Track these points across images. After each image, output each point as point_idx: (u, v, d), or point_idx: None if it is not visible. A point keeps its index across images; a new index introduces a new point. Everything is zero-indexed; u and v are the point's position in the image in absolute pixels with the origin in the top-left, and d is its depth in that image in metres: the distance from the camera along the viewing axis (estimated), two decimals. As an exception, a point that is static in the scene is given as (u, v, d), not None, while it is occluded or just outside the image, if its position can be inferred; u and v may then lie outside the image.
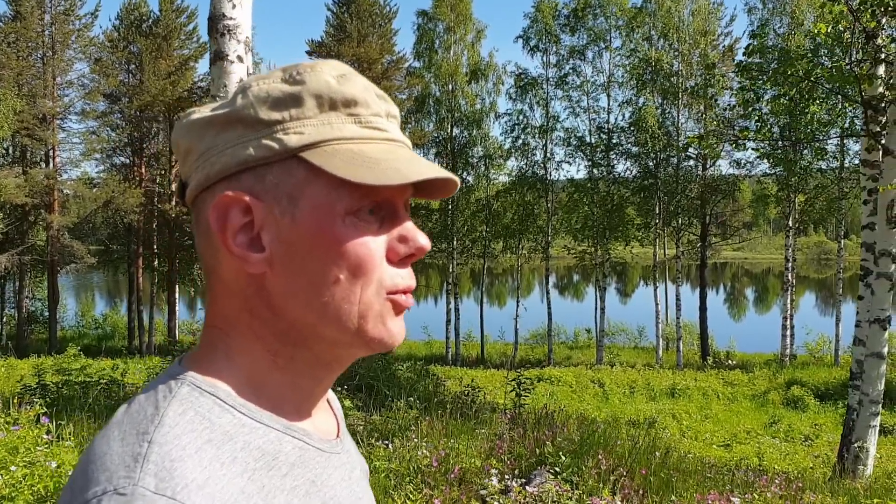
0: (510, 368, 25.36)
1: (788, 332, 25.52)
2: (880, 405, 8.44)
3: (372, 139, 0.71)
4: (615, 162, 27.94)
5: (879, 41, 8.29)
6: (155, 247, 32.30)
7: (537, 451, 5.75)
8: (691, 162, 28.30)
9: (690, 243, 29.32)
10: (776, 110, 9.33)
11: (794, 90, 8.13)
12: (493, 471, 4.94)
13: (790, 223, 25.22)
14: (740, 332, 38.12)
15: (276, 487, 0.68)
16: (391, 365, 8.18)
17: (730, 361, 25.70)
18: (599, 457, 5.37)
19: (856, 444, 8.39)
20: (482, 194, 31.03)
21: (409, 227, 0.73)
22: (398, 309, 0.74)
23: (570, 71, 28.04)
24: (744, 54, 7.75)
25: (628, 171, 27.85)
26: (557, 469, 5.45)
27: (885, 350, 8.42)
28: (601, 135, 27.88)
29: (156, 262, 32.45)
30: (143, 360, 22.32)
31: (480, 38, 30.72)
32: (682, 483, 5.75)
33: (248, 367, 0.72)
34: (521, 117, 28.69)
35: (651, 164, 27.02)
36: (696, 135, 14.92)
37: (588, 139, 28.23)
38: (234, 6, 5.90)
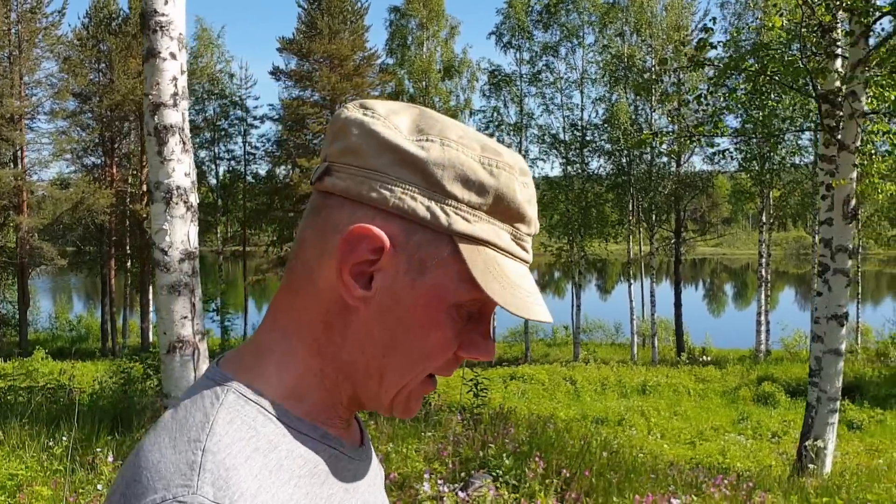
0: (487, 367, 25.31)
1: (763, 328, 25.62)
2: (839, 402, 8.40)
3: (514, 257, 0.73)
4: (589, 159, 27.93)
5: (834, 35, 8.24)
6: (128, 248, 31.92)
7: (481, 453, 5.64)
8: (664, 158, 28.34)
9: (664, 239, 29.38)
10: (732, 105, 9.25)
11: (750, 84, 8.07)
12: (426, 476, 4.81)
13: (764, 219, 25.30)
14: (718, 327, 38.31)
15: (316, 495, 0.70)
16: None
17: (704, 357, 25.75)
18: (537, 458, 5.25)
19: (815, 442, 8.34)
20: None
21: (487, 335, 0.76)
22: (426, 390, 0.77)
23: (544, 68, 27.99)
24: (696, 49, 7.68)
25: (602, 169, 27.84)
26: (500, 472, 5.34)
27: (843, 346, 8.38)
28: (575, 132, 27.85)
29: (129, 264, 32.07)
30: (115, 362, 22.04)
31: (454, 35, 30.64)
32: (629, 484, 5.65)
33: (297, 379, 0.73)
34: (495, 114, 28.60)
35: (624, 160, 27.01)
36: (650, 131, 14.86)
37: (562, 136, 28.19)
38: (166, 2, 5.73)
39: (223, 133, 30.28)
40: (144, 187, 29.69)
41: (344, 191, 0.71)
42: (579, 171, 27.93)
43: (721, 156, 12.77)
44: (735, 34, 8.23)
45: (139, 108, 29.48)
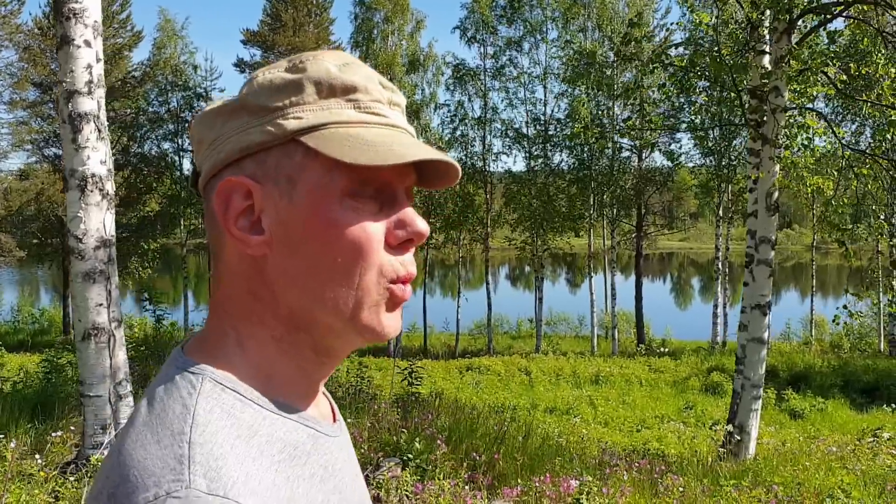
0: (450, 358, 25.47)
1: (720, 320, 26.04)
2: (761, 389, 8.64)
3: (371, 123, 0.73)
4: (551, 154, 28.13)
5: (761, 31, 8.45)
6: (89, 239, 31.58)
7: (394, 438, 5.77)
8: (626, 153, 28.64)
9: (626, 234, 29.71)
10: (661, 99, 9.45)
11: (678, 79, 8.26)
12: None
13: (721, 213, 25.71)
14: (682, 320, 38.82)
15: (298, 476, 0.70)
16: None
17: (663, 349, 26.13)
18: (440, 441, 5.39)
19: (738, 428, 8.58)
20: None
21: (408, 212, 0.75)
22: (395, 300, 0.75)
23: (507, 62, 28.13)
24: (621, 43, 7.83)
25: (564, 164, 28.07)
26: (410, 455, 5.47)
27: (766, 335, 8.63)
28: (537, 126, 28.04)
29: (91, 256, 31.75)
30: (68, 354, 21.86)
31: (420, 29, 30.66)
32: (539, 466, 5.81)
33: (258, 354, 0.73)
34: (459, 109, 28.69)
35: (585, 155, 27.25)
36: (581, 125, 15.11)
37: (525, 131, 28.37)
38: (82, -11, 5.77)
39: (187, 125, 30.04)
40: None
41: (207, 174, 0.75)
42: (542, 165, 28.13)
43: (672, 153, 12.94)
44: (639, 26, 8.37)
45: (100, 99, 29.22)
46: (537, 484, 4.89)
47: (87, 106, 5.55)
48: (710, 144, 21.93)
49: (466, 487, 5.05)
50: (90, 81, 5.56)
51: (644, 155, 28.87)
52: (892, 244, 7.69)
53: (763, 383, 8.65)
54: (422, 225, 0.74)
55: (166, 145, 30.06)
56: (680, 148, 27.23)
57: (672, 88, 8.24)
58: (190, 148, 30.68)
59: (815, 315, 31.03)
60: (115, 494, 0.63)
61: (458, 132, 28.74)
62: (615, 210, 28.39)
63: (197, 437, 0.65)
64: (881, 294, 7.91)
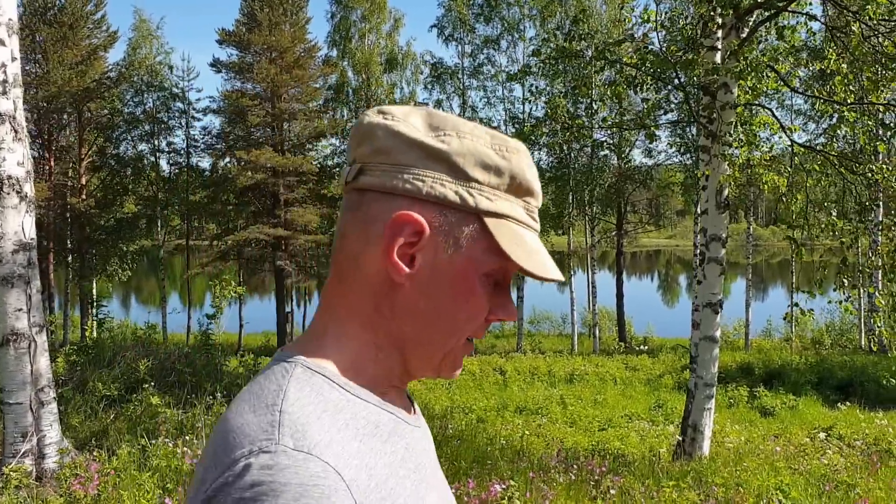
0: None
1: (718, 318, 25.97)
2: (714, 388, 8.57)
3: (530, 227, 0.87)
4: (530, 152, 28.04)
5: (711, 27, 8.37)
6: (68, 242, 31.34)
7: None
8: (605, 151, 28.57)
9: (606, 232, 29.67)
10: (609, 96, 9.37)
11: (625, 76, 8.18)
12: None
13: (698, 210, 25.64)
14: (668, 317, 38.83)
15: (380, 451, 0.79)
16: (216, 359, 8.00)
17: (643, 347, 26.09)
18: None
19: (692, 427, 8.50)
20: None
21: (509, 301, 0.89)
22: (467, 351, 0.90)
23: (485, 61, 28.04)
24: (565, 40, 7.76)
25: (542, 162, 27.99)
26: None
27: (717, 333, 8.56)
28: (516, 125, 27.96)
29: (69, 259, 31.50)
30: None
31: (398, 27, 30.55)
32: (477, 469, 5.72)
33: (355, 353, 0.84)
34: (437, 108, 28.57)
35: (564, 153, 27.19)
36: (532, 124, 15.06)
37: (504, 129, 28.26)
38: (-3, -13, 5.64)
39: (163, 126, 29.84)
40: (84, 180, 29.23)
41: (380, 186, 0.83)
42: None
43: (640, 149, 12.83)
44: (583, 21, 8.27)
45: (76, 100, 28.96)
46: (458, 489, 4.79)
47: (2, 106, 5.42)
48: (680, 141, 21.90)
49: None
50: (5, 81, 5.43)
51: (623, 153, 28.82)
52: (842, 242, 7.61)
53: (716, 382, 8.57)
54: (514, 312, 0.89)
55: (143, 146, 29.87)
56: (657, 146, 27.14)
57: (622, 86, 8.15)
58: (167, 149, 30.51)
59: (797, 312, 31.06)
60: (216, 453, 0.74)
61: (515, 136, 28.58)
62: (594, 208, 28.35)
63: (287, 407, 0.75)
64: (842, 292, 7.83)
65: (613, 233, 29.58)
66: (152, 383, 6.88)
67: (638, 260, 73.97)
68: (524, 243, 0.84)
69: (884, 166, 7.24)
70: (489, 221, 0.83)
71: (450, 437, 6.93)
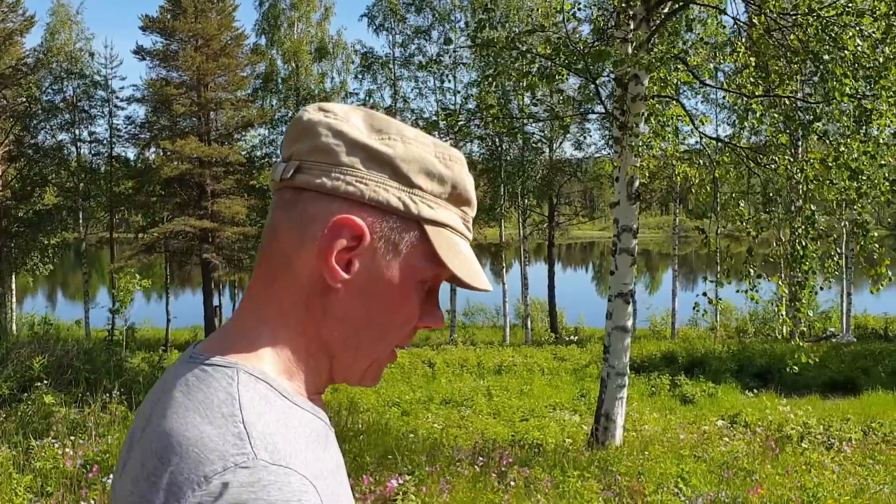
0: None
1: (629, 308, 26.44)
2: (626, 377, 8.66)
3: (465, 237, 0.87)
4: (462, 144, 28.03)
5: (623, 18, 8.42)
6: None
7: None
8: (538, 144, 28.76)
9: (537, 224, 29.92)
10: (523, 87, 9.36)
11: (538, 68, 8.16)
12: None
13: (702, 212, 26.03)
14: (601, 308, 39.44)
15: (322, 459, 0.78)
16: (118, 356, 7.70)
17: (573, 337, 26.43)
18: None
19: (605, 416, 8.58)
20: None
21: (437, 309, 0.88)
22: (391, 360, 0.88)
23: (416, 51, 27.86)
24: (475, 30, 7.71)
25: (474, 154, 28.03)
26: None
27: (629, 323, 8.66)
28: (447, 117, 27.89)
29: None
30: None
31: (329, 16, 30.16)
32: (375, 465, 5.62)
33: (288, 358, 0.81)
34: (368, 98, 28.30)
35: (495, 146, 27.28)
36: (445, 113, 15.08)
37: (436, 121, 28.17)
38: None
39: (85, 114, 28.76)
40: (0, 170, 27.99)
41: (319, 186, 0.80)
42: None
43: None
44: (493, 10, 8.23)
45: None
46: (354, 485, 4.69)
47: None
48: (609, 134, 22.17)
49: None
50: None
51: (555, 145, 29.06)
52: (748, 232, 7.76)
53: (628, 371, 8.67)
54: (441, 320, 0.88)
55: (62, 136, 28.75)
56: (587, 138, 27.48)
57: (536, 78, 8.12)
58: (88, 139, 29.45)
59: (722, 302, 31.91)
60: (176, 472, 0.68)
61: (421, 128, 28.29)
62: (526, 200, 28.55)
63: (248, 417, 0.72)
64: (745, 282, 7.99)
65: (545, 225, 29.83)
66: (47, 381, 6.58)
67: (573, 251, 74.95)
68: (460, 252, 0.84)
69: (786, 158, 7.41)
70: (429, 229, 0.82)
71: (359, 431, 6.83)
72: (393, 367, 18.61)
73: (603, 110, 9.85)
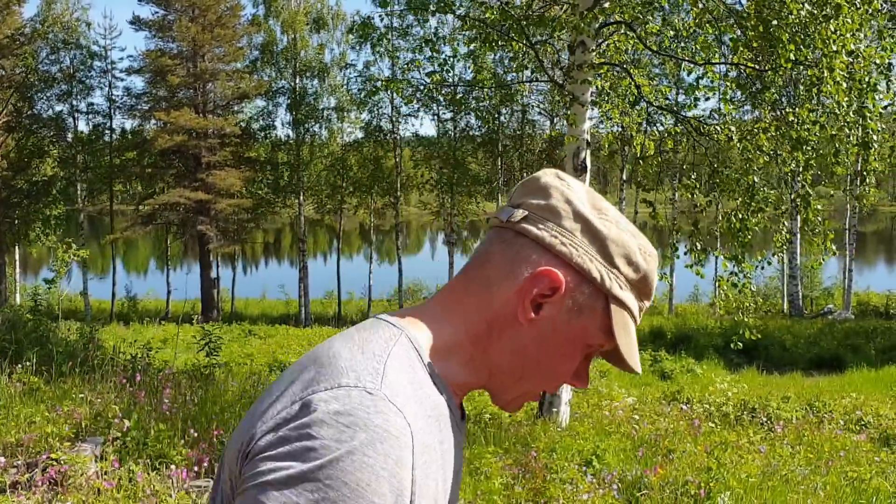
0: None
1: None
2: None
3: (635, 320, 0.97)
4: (459, 117, 27.73)
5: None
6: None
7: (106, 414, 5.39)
8: (537, 116, 28.42)
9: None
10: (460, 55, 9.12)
11: (478, 35, 7.91)
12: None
13: (623, 176, 25.71)
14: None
15: (437, 439, 0.88)
16: (44, 326, 7.64)
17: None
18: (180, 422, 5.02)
19: (549, 393, 8.44)
20: (336, 147, 30.43)
21: (587, 371, 1.01)
22: (535, 399, 1.09)
23: (415, 22, 27.44)
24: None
25: (469, 127, 27.73)
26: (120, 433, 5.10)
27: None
28: (444, 88, 27.56)
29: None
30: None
31: (328, -14, 29.78)
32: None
33: (451, 350, 0.94)
34: (366, 70, 28.03)
35: (494, 118, 26.94)
36: (386, 79, 14.83)
37: (433, 93, 27.84)
38: None
39: (82, 85, 28.72)
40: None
41: (538, 238, 0.94)
42: (451, 127, 27.77)
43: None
44: None
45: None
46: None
47: None
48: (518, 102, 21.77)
49: (182, 472, 4.69)
50: None
51: (555, 119, 28.66)
52: (695, 206, 7.54)
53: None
54: (587, 382, 1.00)
55: (60, 107, 28.75)
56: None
57: (479, 44, 7.88)
58: (86, 110, 29.37)
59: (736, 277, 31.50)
60: (321, 373, 0.84)
61: (364, 93, 28.08)
62: (525, 174, 28.22)
63: (390, 364, 0.85)
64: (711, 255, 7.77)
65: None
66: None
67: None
68: (629, 334, 0.95)
69: (727, 127, 7.14)
70: (613, 306, 0.93)
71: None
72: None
73: (547, 78, 9.60)
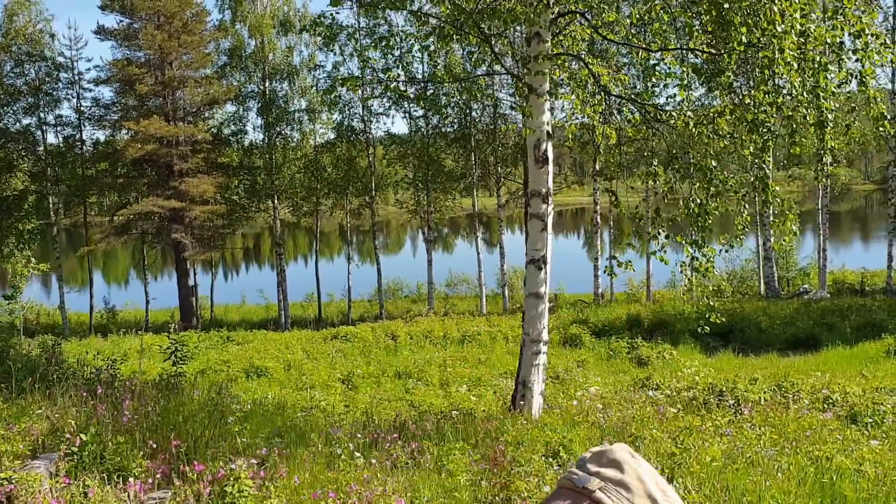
0: (343, 325, 25.09)
1: (600, 273, 26.29)
2: (541, 344, 8.48)
3: None
4: (431, 114, 27.65)
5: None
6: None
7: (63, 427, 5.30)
8: (510, 111, 28.38)
9: (512, 192, 29.63)
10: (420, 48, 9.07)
11: (433, 30, 7.85)
12: None
13: (597, 167, 25.71)
14: (588, 274, 39.25)
15: None
16: (2, 342, 7.49)
17: (550, 304, 26.22)
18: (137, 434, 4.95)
19: (522, 384, 8.44)
20: (309, 149, 30.28)
21: None
22: None
23: (382, 21, 27.34)
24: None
25: (442, 125, 27.68)
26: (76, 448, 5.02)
27: (543, 290, 8.45)
28: (415, 86, 27.48)
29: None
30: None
31: (294, -12, 29.59)
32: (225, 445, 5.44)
33: None
34: (335, 70, 27.86)
35: (464, 114, 26.92)
36: (343, 77, 14.71)
37: (332, 85, 27.69)
38: None
39: (49, 98, 28.33)
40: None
41: None
42: (423, 125, 27.71)
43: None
44: None
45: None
46: (187, 471, 4.53)
47: None
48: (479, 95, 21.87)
49: (138, 484, 4.62)
50: None
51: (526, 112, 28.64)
52: (656, 192, 7.52)
53: (545, 339, 8.49)
54: None
55: (27, 120, 28.37)
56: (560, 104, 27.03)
57: (435, 40, 7.83)
58: (55, 122, 28.94)
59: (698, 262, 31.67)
60: None
61: (335, 94, 27.92)
62: (499, 168, 28.24)
63: None
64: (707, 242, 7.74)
65: (520, 192, 29.51)
66: None
67: (564, 218, 74.63)
68: None
69: (684, 114, 7.14)
70: None
71: (249, 412, 6.68)
72: (358, 340, 18.54)
73: (504, 71, 9.57)
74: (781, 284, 27.27)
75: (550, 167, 8.30)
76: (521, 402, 8.37)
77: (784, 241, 7.09)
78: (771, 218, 7.38)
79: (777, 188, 6.89)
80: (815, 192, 27.81)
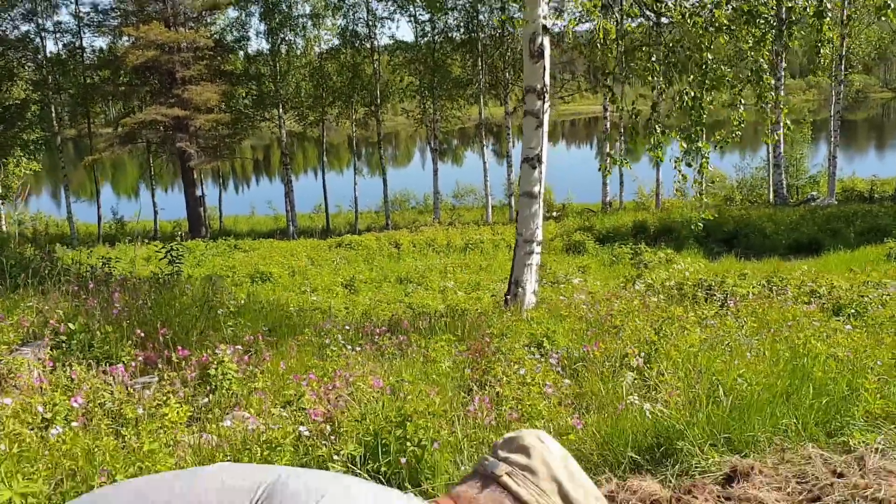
0: (339, 235, 25.21)
1: (608, 180, 26.10)
2: (534, 244, 8.48)
3: None
4: (437, 17, 26.95)
5: None
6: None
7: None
8: (518, 14, 27.53)
9: (520, 100, 29.11)
10: None
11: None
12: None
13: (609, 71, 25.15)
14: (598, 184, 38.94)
15: None
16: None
17: (555, 213, 26.20)
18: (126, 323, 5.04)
19: (515, 283, 8.50)
20: (313, 57, 29.76)
21: None
22: None
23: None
24: None
25: (449, 29, 27.00)
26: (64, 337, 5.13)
27: (537, 189, 8.39)
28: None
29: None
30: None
31: None
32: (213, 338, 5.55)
33: None
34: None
35: (470, 17, 26.22)
36: None
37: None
38: None
39: (47, 3, 27.73)
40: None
41: (517, 494, 1.11)
42: (429, 29, 27.06)
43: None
44: None
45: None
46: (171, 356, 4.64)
47: None
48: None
49: (120, 367, 4.74)
50: None
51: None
52: (653, 89, 7.37)
53: (538, 238, 8.48)
54: None
55: (26, 27, 27.87)
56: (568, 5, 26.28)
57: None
58: (53, 29, 28.43)
59: (713, 169, 31.34)
60: None
61: None
62: (507, 74, 27.69)
63: None
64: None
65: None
66: None
67: (577, 127, 73.65)
68: None
69: (684, 5, 6.90)
70: None
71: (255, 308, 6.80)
72: (362, 248, 18.67)
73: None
74: (791, 192, 27.02)
75: (547, 62, 8.10)
76: (514, 300, 8.45)
77: (768, 140, 6.93)
78: (768, 113, 7.21)
79: (772, 81, 6.72)
80: (830, 99, 27.16)
